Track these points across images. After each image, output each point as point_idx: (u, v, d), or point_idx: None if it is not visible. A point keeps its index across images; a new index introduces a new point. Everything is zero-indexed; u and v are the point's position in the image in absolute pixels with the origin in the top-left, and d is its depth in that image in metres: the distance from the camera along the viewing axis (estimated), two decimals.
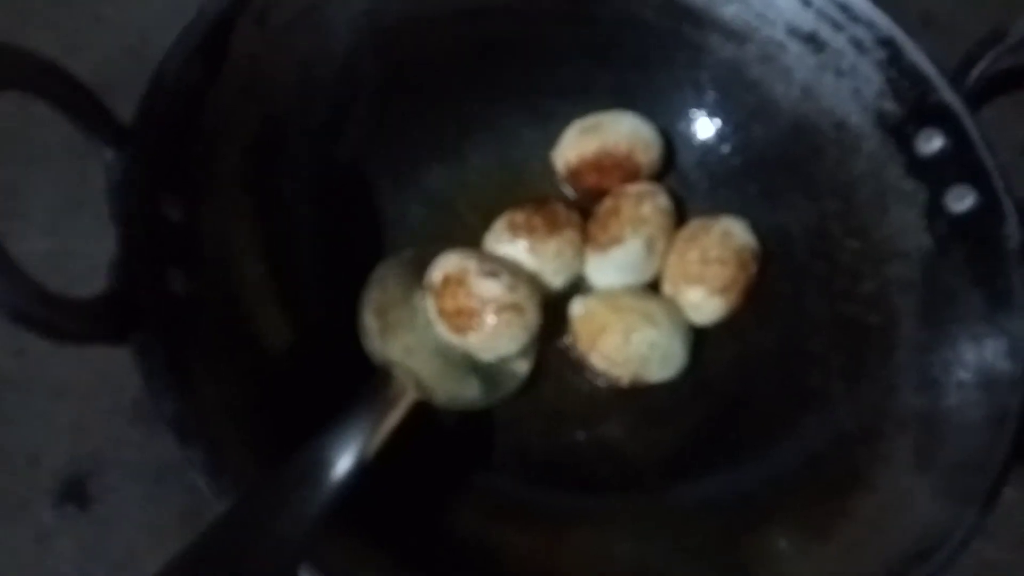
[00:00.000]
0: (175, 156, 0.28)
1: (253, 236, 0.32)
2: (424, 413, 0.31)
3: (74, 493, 0.33)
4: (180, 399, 0.24)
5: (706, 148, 0.40)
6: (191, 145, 0.29)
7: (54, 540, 0.33)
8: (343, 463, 0.26)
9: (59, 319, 0.22)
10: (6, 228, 0.27)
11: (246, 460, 0.25)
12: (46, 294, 0.21)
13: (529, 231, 0.36)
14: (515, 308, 0.33)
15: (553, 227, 0.36)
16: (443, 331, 0.34)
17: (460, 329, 0.33)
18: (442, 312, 0.33)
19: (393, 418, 0.29)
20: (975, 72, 0.32)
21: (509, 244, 0.36)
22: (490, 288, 0.33)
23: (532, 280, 0.35)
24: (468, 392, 0.34)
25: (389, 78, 0.37)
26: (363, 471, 0.26)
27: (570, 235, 0.36)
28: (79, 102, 0.25)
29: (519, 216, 0.36)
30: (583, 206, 0.39)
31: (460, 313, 0.33)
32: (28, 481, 0.33)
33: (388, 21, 0.36)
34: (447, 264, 0.34)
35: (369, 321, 0.33)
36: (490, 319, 0.33)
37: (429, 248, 0.36)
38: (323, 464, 0.26)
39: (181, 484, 0.32)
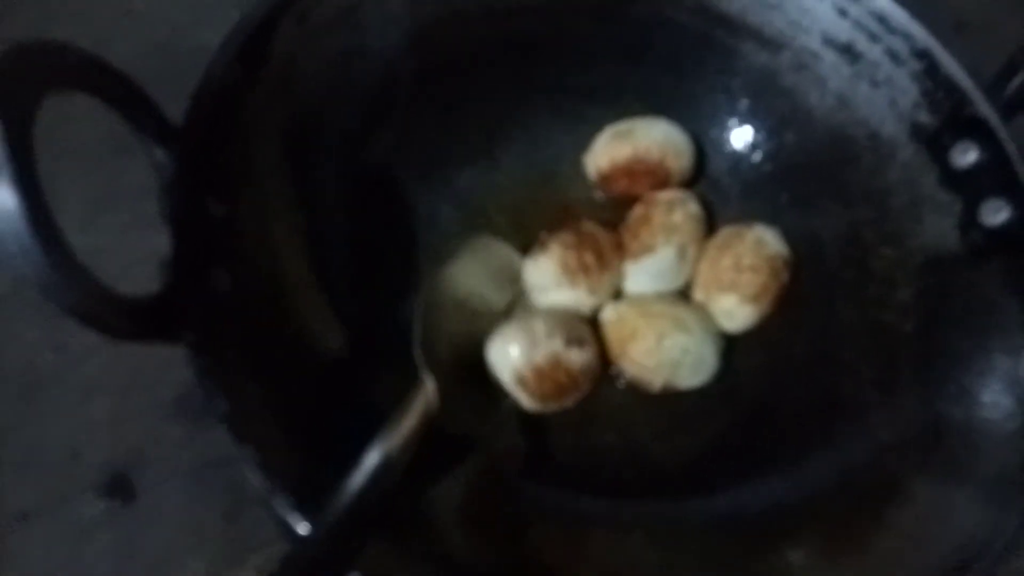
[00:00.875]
0: (218, 155, 0.29)
1: (291, 234, 0.32)
2: None
3: (116, 488, 0.33)
4: (232, 397, 0.24)
5: (737, 155, 0.40)
6: (233, 144, 0.29)
7: (93, 535, 0.33)
8: (389, 478, 0.26)
9: (119, 319, 0.22)
10: None
11: (290, 457, 0.25)
12: (108, 294, 0.21)
13: (585, 273, 0.36)
14: (596, 357, 0.35)
15: (602, 260, 0.36)
16: (529, 402, 0.34)
17: (556, 398, 0.34)
18: (539, 396, 0.34)
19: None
20: (1013, 84, 0.32)
21: (570, 291, 0.36)
22: (581, 356, 0.34)
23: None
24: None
25: (423, 77, 0.37)
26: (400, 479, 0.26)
27: (616, 262, 0.37)
28: (133, 102, 0.25)
29: (570, 257, 0.36)
30: (613, 209, 0.39)
31: (560, 390, 0.34)
32: (68, 476, 0.33)
33: (424, 20, 0.37)
34: (533, 356, 0.33)
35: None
36: (585, 384, 0.35)
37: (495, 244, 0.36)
38: (375, 482, 0.26)
39: (223, 482, 0.32)
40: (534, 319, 0.34)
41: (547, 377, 0.34)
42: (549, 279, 0.36)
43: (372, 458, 0.25)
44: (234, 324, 0.27)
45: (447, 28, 0.37)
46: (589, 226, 0.37)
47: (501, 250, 0.37)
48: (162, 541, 0.32)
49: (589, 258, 0.36)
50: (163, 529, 0.32)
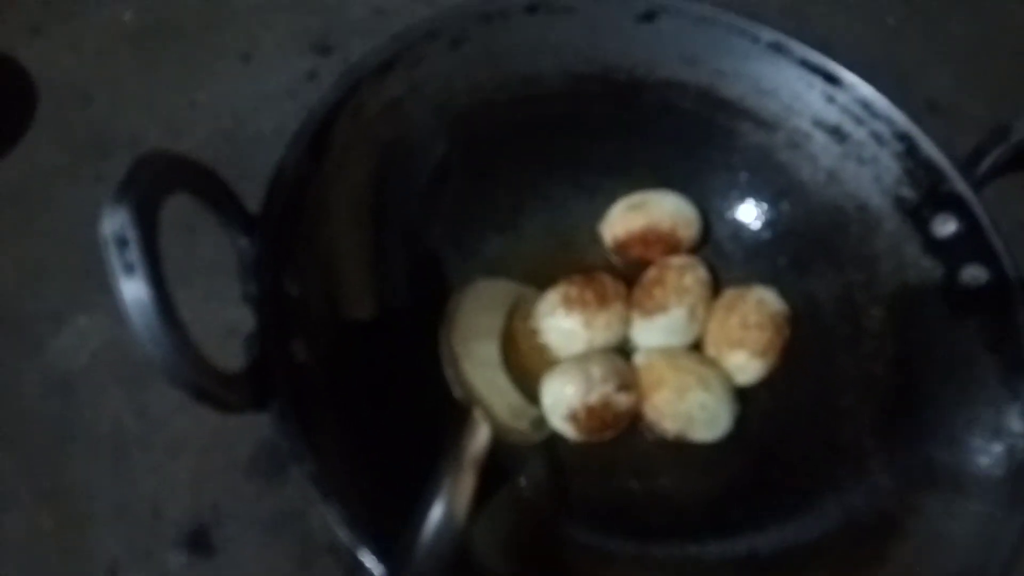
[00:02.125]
0: (291, 239, 0.32)
1: (353, 305, 0.35)
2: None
3: (197, 543, 0.36)
4: (315, 458, 0.27)
5: (739, 223, 0.44)
6: (302, 228, 0.33)
7: None
8: (450, 525, 0.29)
9: (224, 392, 0.25)
10: None
11: (367, 511, 0.28)
12: (217, 372, 0.25)
13: (583, 306, 0.40)
14: (637, 401, 0.39)
15: (603, 301, 0.40)
16: (573, 434, 0.38)
17: (598, 432, 0.38)
18: (585, 431, 0.38)
19: (480, 459, 0.33)
20: (984, 165, 0.36)
21: (565, 318, 0.40)
22: (627, 400, 0.38)
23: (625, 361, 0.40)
24: (523, 427, 0.38)
25: (456, 158, 0.41)
26: (467, 525, 0.30)
27: (618, 307, 0.40)
28: (220, 197, 0.29)
29: (573, 291, 0.40)
30: (627, 273, 0.43)
31: (605, 426, 0.38)
32: (152, 531, 0.36)
33: (456, 109, 0.40)
34: (588, 397, 0.37)
35: (451, 351, 0.38)
36: (624, 423, 0.39)
37: (498, 281, 0.41)
38: (434, 532, 0.29)
39: (295, 534, 0.35)
40: (591, 363, 0.38)
41: (596, 416, 0.38)
42: (550, 307, 0.40)
43: (440, 505, 0.29)
44: (312, 390, 0.30)
45: (476, 115, 0.41)
46: (601, 274, 0.41)
47: (498, 284, 0.42)
48: None
49: (589, 295, 0.40)
50: None
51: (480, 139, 0.42)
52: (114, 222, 0.23)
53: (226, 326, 0.32)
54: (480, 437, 0.34)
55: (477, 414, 0.35)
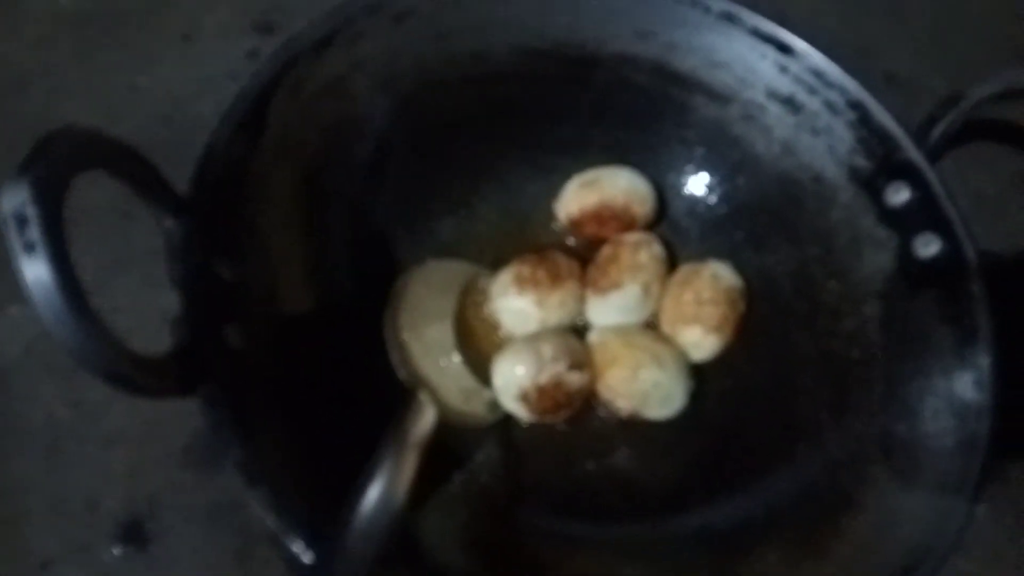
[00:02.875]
0: (224, 221, 0.31)
1: (291, 287, 0.34)
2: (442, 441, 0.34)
3: (133, 535, 0.35)
4: (244, 445, 0.26)
5: (695, 199, 0.43)
6: (237, 209, 0.32)
7: None
8: (388, 505, 0.28)
9: (143, 378, 0.24)
10: None
11: (300, 498, 0.27)
12: (132, 355, 0.24)
13: (535, 285, 0.39)
14: (591, 380, 0.38)
15: (556, 279, 0.39)
16: (525, 415, 0.38)
17: (551, 413, 0.37)
18: (537, 411, 0.37)
19: (423, 443, 0.32)
20: (936, 132, 0.36)
21: (517, 298, 0.39)
22: (580, 379, 0.38)
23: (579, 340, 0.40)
24: (478, 411, 0.38)
25: (405, 138, 0.40)
26: (406, 507, 0.29)
27: (571, 286, 0.40)
28: (145, 176, 0.28)
29: (525, 270, 0.39)
30: (582, 251, 0.42)
31: (558, 406, 0.37)
32: (88, 524, 0.35)
33: (402, 89, 0.39)
34: (538, 377, 0.37)
35: (397, 334, 0.37)
36: (578, 403, 0.38)
37: (448, 262, 0.40)
38: (371, 510, 0.28)
39: (233, 525, 0.34)
40: (542, 342, 0.37)
41: (548, 396, 0.37)
42: (502, 287, 0.39)
43: (376, 487, 0.28)
44: (247, 376, 0.29)
45: (426, 94, 0.40)
46: (554, 253, 0.41)
47: (450, 265, 0.41)
48: None
49: (542, 274, 0.39)
50: (180, 571, 0.34)
51: (430, 118, 0.41)
52: (13, 199, 0.22)
53: (163, 312, 0.31)
54: (424, 420, 0.33)
55: (422, 397, 0.34)
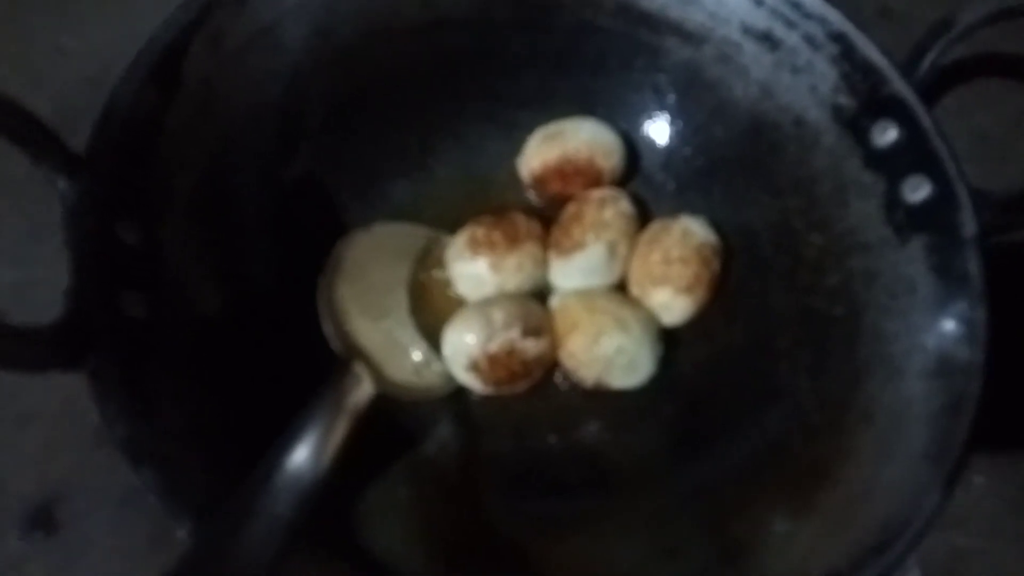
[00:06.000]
0: (131, 181, 0.29)
1: (212, 256, 0.32)
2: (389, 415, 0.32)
3: (42, 519, 0.33)
4: (134, 422, 0.24)
5: (670, 151, 0.40)
6: (148, 169, 0.30)
7: (23, 567, 0.33)
8: (309, 469, 0.26)
9: (14, 349, 0.22)
10: None
11: (205, 479, 0.25)
12: (5, 326, 0.21)
13: (490, 247, 0.36)
14: (551, 347, 0.35)
15: (513, 241, 0.36)
16: (480, 387, 0.35)
17: (507, 384, 0.35)
18: (492, 382, 0.34)
19: (353, 415, 0.30)
20: (925, 62, 0.32)
21: (470, 262, 0.36)
22: (536, 346, 0.35)
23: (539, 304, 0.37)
24: (431, 383, 0.35)
25: (348, 94, 0.38)
26: (329, 476, 0.26)
27: (530, 247, 0.37)
28: (31, 133, 0.26)
29: (479, 232, 0.36)
30: (550, 213, 0.39)
31: (512, 377, 0.35)
32: None
33: (342, 39, 0.37)
34: (489, 345, 0.34)
35: (333, 304, 0.34)
36: (538, 371, 0.35)
37: (400, 226, 0.38)
38: (288, 472, 0.26)
39: (147, 508, 0.32)
40: (493, 307, 0.35)
41: (501, 365, 0.34)
42: (456, 251, 0.37)
43: (291, 454, 0.26)
44: (149, 348, 0.27)
45: (367, 45, 0.37)
46: (513, 213, 0.37)
47: (401, 229, 0.38)
48: (92, 569, 0.32)
49: (497, 236, 0.36)
50: (91, 558, 0.32)
51: (376, 72, 0.38)
52: None
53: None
54: (359, 392, 0.30)
55: (357, 369, 0.31)
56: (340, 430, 0.28)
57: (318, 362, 0.32)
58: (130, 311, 0.27)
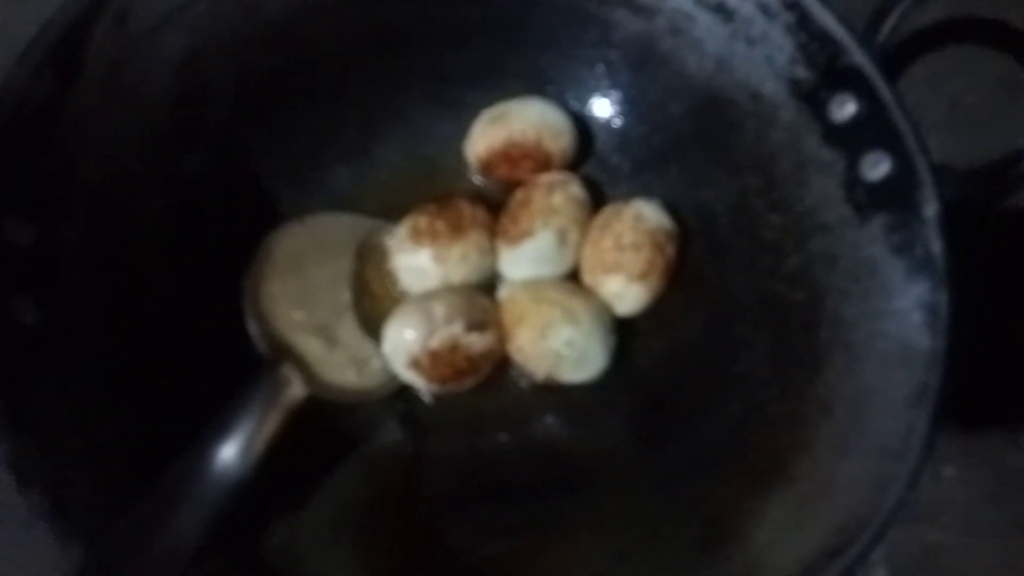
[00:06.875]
0: (24, 173, 0.26)
1: (116, 257, 0.29)
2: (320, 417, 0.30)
3: None
4: (21, 437, 0.22)
5: (624, 131, 0.38)
6: (43, 160, 0.27)
7: None
8: (226, 471, 0.24)
9: None
10: None
11: (99, 499, 0.23)
12: None
13: (433, 237, 0.34)
14: (499, 341, 0.33)
15: (457, 230, 0.34)
16: (423, 386, 0.33)
17: (453, 381, 0.33)
18: (436, 380, 0.33)
19: (280, 417, 0.28)
20: (885, 28, 0.30)
21: (413, 254, 0.34)
22: (482, 341, 0.33)
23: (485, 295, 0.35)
24: (374, 382, 0.33)
25: (277, 74, 0.35)
26: (250, 480, 0.25)
27: (475, 237, 0.35)
28: None
29: (422, 221, 0.34)
30: (502, 198, 0.37)
31: (458, 374, 0.33)
32: None
33: (270, 14, 0.34)
34: (429, 341, 0.32)
35: (260, 303, 0.32)
36: (486, 367, 0.33)
37: (337, 216, 0.36)
38: (204, 473, 0.24)
39: None
40: (434, 301, 0.33)
41: (444, 362, 0.32)
42: (398, 241, 0.35)
43: (224, 453, 0.24)
44: (41, 357, 0.25)
45: (298, 20, 0.35)
46: (458, 200, 0.35)
47: (338, 220, 0.36)
48: None
49: (440, 226, 0.34)
50: None
51: (313, 50, 0.36)
52: None
53: None
54: (286, 396, 0.28)
55: (286, 371, 0.29)
56: (269, 428, 0.26)
57: (240, 369, 0.30)
58: (20, 317, 0.24)
